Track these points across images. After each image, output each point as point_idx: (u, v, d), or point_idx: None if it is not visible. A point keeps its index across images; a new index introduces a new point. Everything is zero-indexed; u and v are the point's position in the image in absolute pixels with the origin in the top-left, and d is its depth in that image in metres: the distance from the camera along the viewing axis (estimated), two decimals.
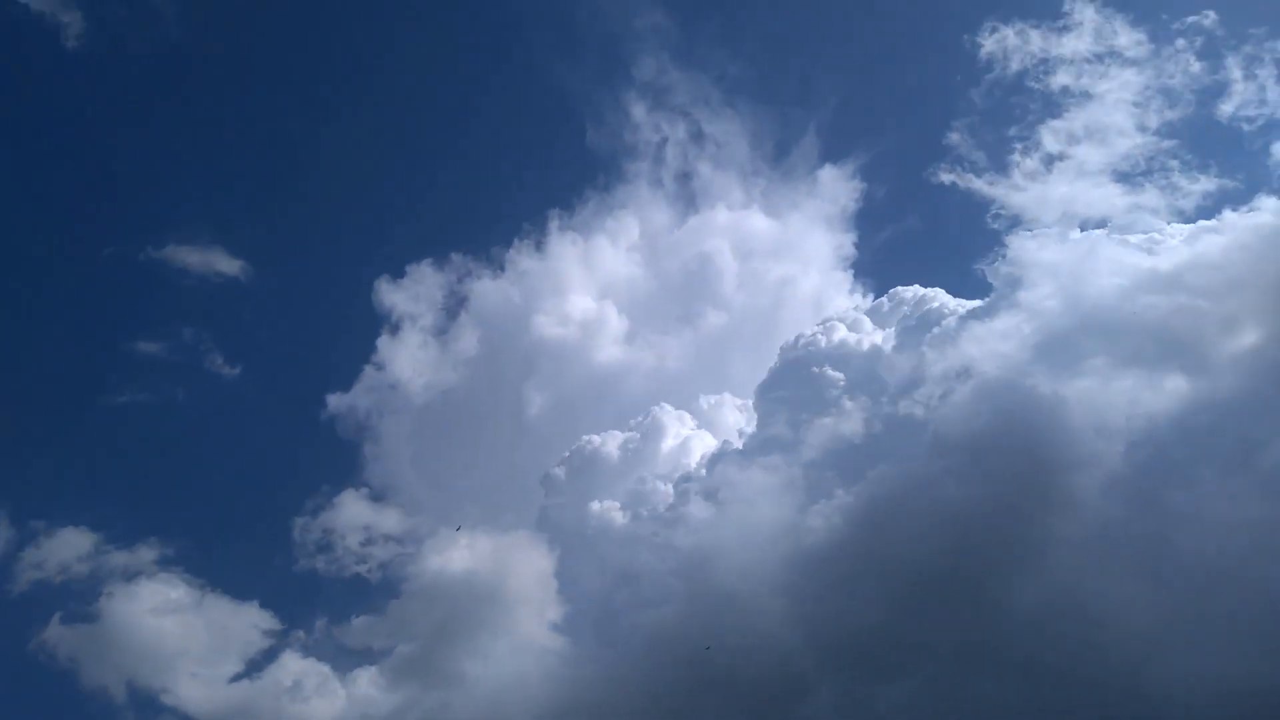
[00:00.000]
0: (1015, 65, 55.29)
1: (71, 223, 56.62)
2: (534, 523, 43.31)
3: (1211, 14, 52.40)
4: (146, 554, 44.04)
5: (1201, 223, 39.22)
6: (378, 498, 48.42)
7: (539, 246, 58.51)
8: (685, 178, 61.76)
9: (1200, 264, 35.61)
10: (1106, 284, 36.84)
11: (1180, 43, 52.54)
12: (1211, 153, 51.10)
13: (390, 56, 66.55)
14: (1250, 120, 50.52)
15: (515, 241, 58.30)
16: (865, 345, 42.39)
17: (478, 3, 68.43)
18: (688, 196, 61.67)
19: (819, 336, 43.73)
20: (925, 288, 43.77)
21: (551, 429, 49.30)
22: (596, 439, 45.60)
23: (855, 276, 57.11)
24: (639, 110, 61.64)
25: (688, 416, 46.09)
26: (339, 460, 52.30)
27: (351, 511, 47.61)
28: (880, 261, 59.19)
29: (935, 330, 39.87)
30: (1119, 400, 32.87)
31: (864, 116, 66.91)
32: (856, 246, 58.28)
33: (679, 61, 62.56)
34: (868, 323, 44.26)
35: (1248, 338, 32.31)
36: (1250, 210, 37.93)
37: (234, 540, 48.32)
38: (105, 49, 55.87)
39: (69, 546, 43.62)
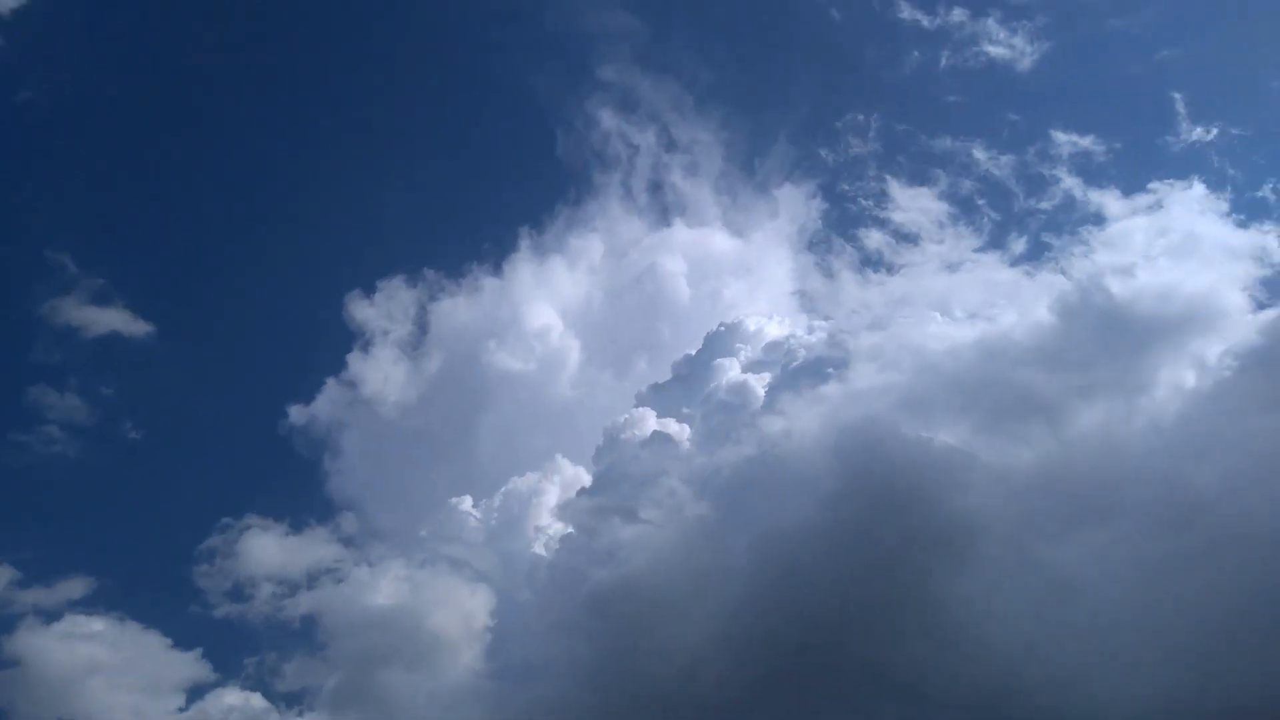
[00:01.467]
0: None
1: None
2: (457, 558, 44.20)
3: (1014, 115, 59.99)
4: (68, 592, 44.00)
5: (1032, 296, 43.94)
6: (297, 530, 47.78)
7: (503, 267, 58.24)
8: (656, 191, 61.25)
9: (1038, 335, 40.18)
10: (947, 354, 40.75)
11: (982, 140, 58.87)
12: (1030, 242, 55.91)
13: (364, 64, 66.45)
14: (1060, 211, 56.30)
15: (479, 263, 58.16)
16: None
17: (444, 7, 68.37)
18: (658, 211, 61.17)
19: (631, 428, 44.58)
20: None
21: (496, 463, 49.60)
22: (465, 501, 46.23)
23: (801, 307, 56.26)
24: (608, 119, 61.17)
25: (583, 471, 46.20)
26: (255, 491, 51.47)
27: (260, 550, 47.13)
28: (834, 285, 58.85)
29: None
30: (990, 458, 36.83)
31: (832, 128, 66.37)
32: (818, 268, 58.00)
33: (648, 66, 62.44)
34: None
35: (1097, 399, 37.35)
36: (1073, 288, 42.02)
37: (159, 579, 48.08)
38: None
39: None
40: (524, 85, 64.70)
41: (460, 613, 42.06)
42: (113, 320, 52.37)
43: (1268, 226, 45.23)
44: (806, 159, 61.20)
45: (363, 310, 56.05)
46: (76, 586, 44.41)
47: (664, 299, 55.86)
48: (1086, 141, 56.47)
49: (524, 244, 59.23)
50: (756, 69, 68.71)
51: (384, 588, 43.38)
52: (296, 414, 52.86)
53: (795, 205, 59.81)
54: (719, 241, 58.95)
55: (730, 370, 45.36)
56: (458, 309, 57.58)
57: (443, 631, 41.59)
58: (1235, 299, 39.34)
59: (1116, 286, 39.82)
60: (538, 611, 40.93)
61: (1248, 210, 48.12)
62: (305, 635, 44.06)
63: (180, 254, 60.55)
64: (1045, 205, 56.61)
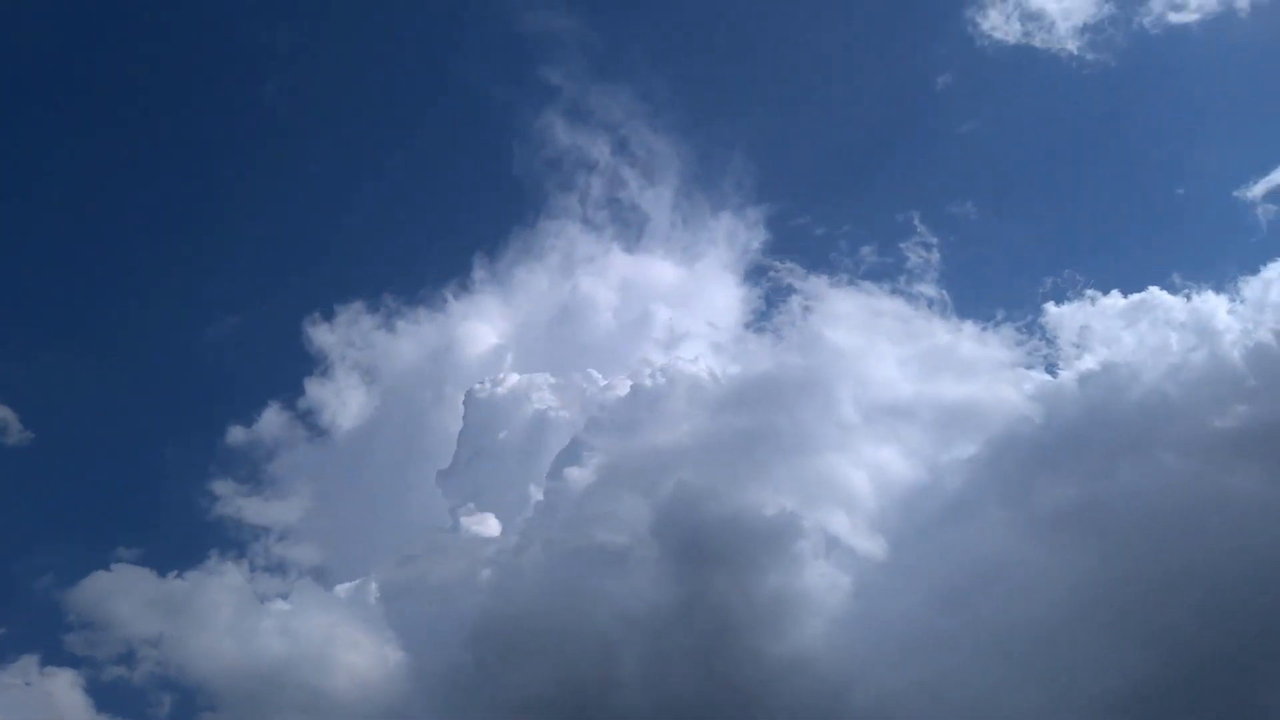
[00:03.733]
0: None
1: None
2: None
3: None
4: None
5: None
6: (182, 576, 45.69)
7: (455, 297, 58.03)
8: (613, 213, 60.44)
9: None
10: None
11: None
12: None
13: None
14: None
15: (431, 290, 58.58)
16: None
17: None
18: (611, 235, 60.26)
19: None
20: None
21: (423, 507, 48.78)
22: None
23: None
24: (565, 137, 60.85)
25: None
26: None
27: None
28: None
29: None
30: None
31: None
32: (764, 299, 56.60)
33: (605, 76, 62.96)
34: None
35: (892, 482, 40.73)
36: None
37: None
38: None
39: None
40: (482, 99, 66.43)
41: (360, 668, 41.71)
42: None
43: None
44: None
45: (322, 335, 57.06)
46: None
47: (609, 332, 54.94)
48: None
49: (478, 274, 59.21)
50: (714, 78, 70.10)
51: (284, 637, 42.70)
52: (235, 435, 53.76)
53: (738, 232, 59.57)
54: (668, 271, 58.85)
55: None
56: (404, 342, 57.98)
57: (345, 688, 41.13)
58: (996, 395, 42.92)
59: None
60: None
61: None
62: (200, 690, 43.58)
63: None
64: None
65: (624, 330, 54.15)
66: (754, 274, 57.40)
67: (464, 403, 48.89)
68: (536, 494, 43.74)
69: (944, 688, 33.46)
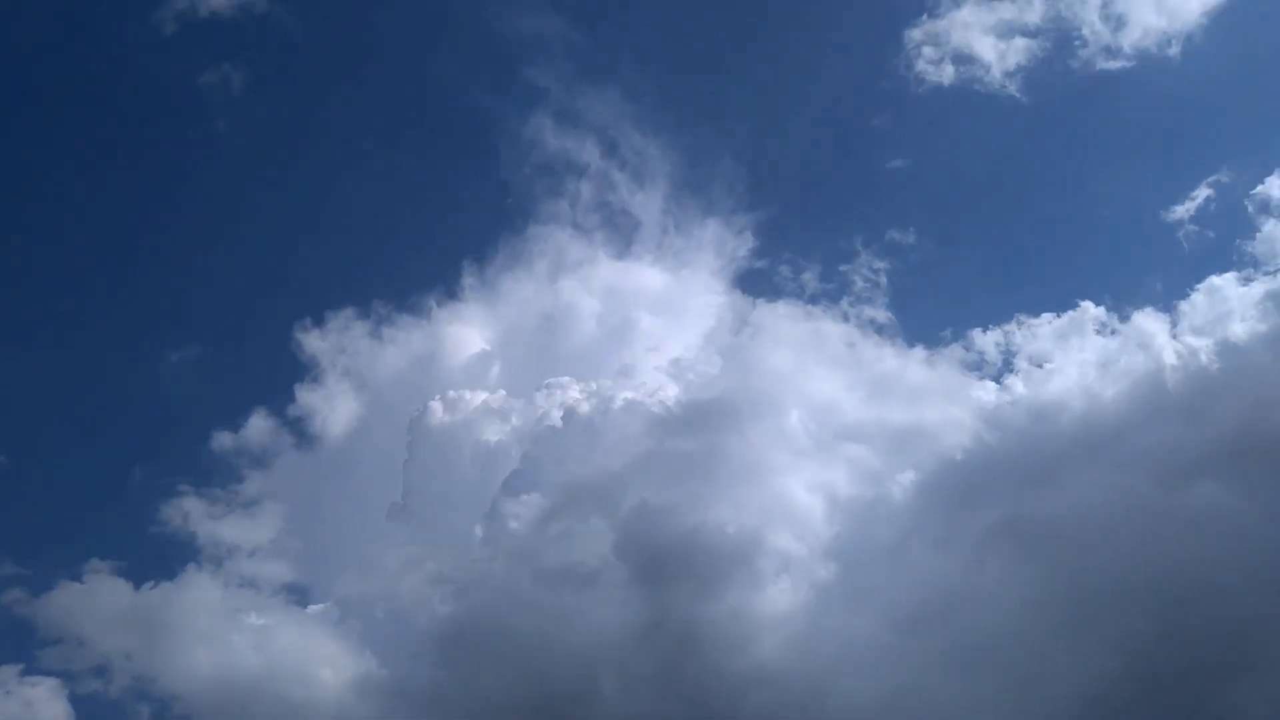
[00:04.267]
0: None
1: None
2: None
3: None
4: None
5: None
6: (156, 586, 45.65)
7: (433, 310, 57.47)
8: (604, 217, 59.60)
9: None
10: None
11: None
12: None
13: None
14: None
15: (418, 298, 57.83)
16: None
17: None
18: (602, 241, 59.55)
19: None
20: None
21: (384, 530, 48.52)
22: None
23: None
24: (553, 140, 60.00)
25: None
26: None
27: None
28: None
29: None
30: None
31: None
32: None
33: (593, 81, 61.68)
34: None
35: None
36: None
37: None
38: None
39: None
40: (469, 102, 64.88)
41: (335, 682, 42.52)
42: None
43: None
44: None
45: (313, 341, 56.12)
46: None
47: (593, 340, 54.73)
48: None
49: (467, 280, 58.61)
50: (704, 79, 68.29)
51: (260, 651, 43.45)
52: (220, 440, 53.30)
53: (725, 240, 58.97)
54: (655, 279, 58.36)
55: None
56: (392, 349, 57.40)
57: (321, 701, 42.01)
58: (943, 416, 43.95)
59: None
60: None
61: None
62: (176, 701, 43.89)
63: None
64: None
65: (607, 339, 54.33)
66: (737, 282, 57.09)
67: (409, 430, 48.89)
68: (480, 528, 44.23)
69: (906, 700, 34.71)
